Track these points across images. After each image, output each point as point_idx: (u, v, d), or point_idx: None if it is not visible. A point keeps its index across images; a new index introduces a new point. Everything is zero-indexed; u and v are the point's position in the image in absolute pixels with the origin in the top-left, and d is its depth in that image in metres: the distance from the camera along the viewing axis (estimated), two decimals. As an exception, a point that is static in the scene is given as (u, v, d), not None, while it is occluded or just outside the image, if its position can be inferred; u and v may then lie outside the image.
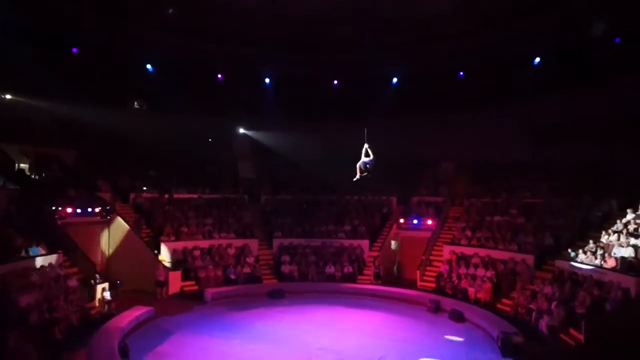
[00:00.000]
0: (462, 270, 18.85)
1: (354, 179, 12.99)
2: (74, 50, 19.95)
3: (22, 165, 21.88)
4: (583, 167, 20.59)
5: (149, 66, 22.21)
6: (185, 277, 19.30)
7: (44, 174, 21.37)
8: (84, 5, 17.87)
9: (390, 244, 21.63)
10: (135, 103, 26.62)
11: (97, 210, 19.77)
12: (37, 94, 21.20)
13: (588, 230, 17.43)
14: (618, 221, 16.43)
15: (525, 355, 12.06)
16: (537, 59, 20.17)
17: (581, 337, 12.58)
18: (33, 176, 21.17)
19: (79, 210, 19.10)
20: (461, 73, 22.49)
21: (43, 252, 15.41)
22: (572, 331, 13.26)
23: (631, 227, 15.45)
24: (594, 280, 14.27)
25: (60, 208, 18.51)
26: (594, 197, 18.97)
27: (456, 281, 18.63)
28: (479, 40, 19.96)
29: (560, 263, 16.33)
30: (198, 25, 19.99)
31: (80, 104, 21.77)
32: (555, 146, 21.61)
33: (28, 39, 17.97)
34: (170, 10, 18.26)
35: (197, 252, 20.44)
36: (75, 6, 17.74)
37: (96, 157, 24.01)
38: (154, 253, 19.52)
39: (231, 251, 21.21)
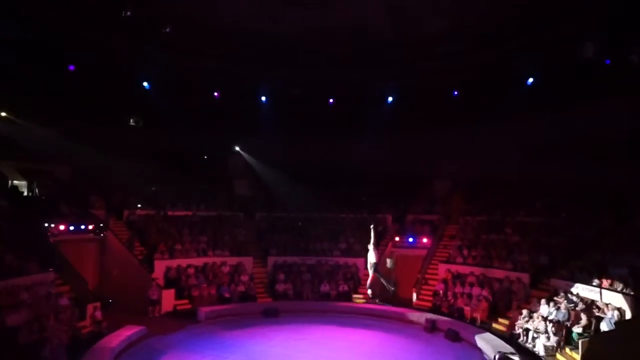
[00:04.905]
0: (458, 289, 18.75)
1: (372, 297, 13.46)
2: (71, 67, 19.99)
3: (15, 182, 21.72)
4: (578, 185, 20.67)
5: (145, 83, 22.29)
6: (178, 295, 19.07)
7: (37, 191, 21.23)
8: (81, 22, 18.00)
9: (385, 262, 21.51)
10: (131, 120, 26.60)
11: (90, 227, 19.62)
12: (32, 110, 21.18)
13: (583, 249, 17.42)
14: (613, 240, 16.46)
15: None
16: (531, 80, 20.38)
17: (578, 357, 12.48)
18: (25, 193, 21.01)
19: (72, 227, 18.96)
20: (455, 92, 22.67)
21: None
22: (568, 351, 13.15)
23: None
24: (589, 300, 14.24)
25: (52, 225, 18.35)
26: (589, 215, 19.01)
27: (452, 300, 18.51)
28: (473, 59, 20.18)
29: (555, 282, 16.30)
30: (195, 43, 20.13)
31: (76, 120, 21.77)
32: (550, 164, 21.72)
33: (24, 56, 18.00)
34: (168, 29, 18.41)
35: (191, 270, 20.24)
36: (72, 23, 17.86)
37: (91, 173, 23.89)
38: (147, 271, 19.29)
39: (225, 269, 21.03)
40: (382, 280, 12.71)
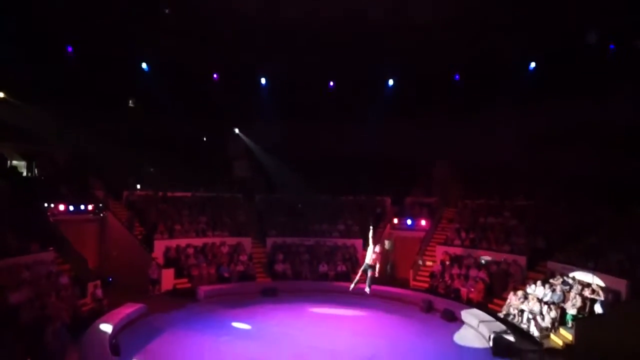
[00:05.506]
0: (455, 271, 18.92)
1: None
2: (69, 48, 19.82)
3: (14, 162, 21.73)
4: (577, 173, 20.61)
5: (144, 65, 22.11)
6: (178, 274, 19.25)
7: (36, 171, 21.26)
8: (79, 5, 17.78)
9: (384, 244, 21.70)
10: (130, 102, 26.50)
11: (90, 207, 19.71)
12: (31, 92, 21.05)
13: (581, 234, 17.50)
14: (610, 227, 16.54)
15: (516, 355, 12.10)
16: (533, 64, 20.20)
17: (571, 338, 12.68)
18: (25, 173, 21.03)
19: (71, 208, 19.05)
20: (457, 76, 22.55)
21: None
22: (562, 332, 13.35)
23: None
24: (585, 282, 14.39)
25: (52, 205, 18.43)
26: (588, 203, 19.03)
27: (449, 281, 18.71)
28: (474, 45, 20.01)
29: (552, 264, 16.44)
30: (194, 26, 19.92)
31: (75, 101, 21.66)
32: (550, 151, 21.66)
33: (22, 38, 17.85)
34: (167, 10, 18.19)
35: (190, 250, 20.41)
36: (71, 5, 17.64)
37: (90, 156, 23.82)
38: (147, 250, 19.45)
39: (225, 249, 21.20)
40: (368, 281, 12.56)
